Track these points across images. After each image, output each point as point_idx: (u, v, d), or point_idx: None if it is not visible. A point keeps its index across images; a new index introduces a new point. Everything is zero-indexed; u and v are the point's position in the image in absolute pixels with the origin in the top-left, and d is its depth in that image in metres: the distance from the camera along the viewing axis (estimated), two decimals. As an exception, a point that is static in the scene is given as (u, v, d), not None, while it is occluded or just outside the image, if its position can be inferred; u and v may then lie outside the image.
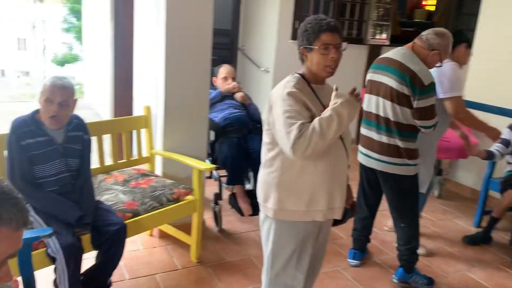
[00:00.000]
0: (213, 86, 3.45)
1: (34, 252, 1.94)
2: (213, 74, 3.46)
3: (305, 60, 1.77)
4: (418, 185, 2.59)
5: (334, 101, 1.66)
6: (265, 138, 1.80)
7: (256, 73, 5.43)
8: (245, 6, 5.63)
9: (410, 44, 2.51)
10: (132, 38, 4.01)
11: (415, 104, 2.35)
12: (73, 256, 1.99)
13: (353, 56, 5.48)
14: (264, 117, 1.80)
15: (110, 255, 2.20)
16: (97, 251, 2.20)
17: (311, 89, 1.77)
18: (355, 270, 2.84)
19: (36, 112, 2.15)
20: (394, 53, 2.49)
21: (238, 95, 3.32)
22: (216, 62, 4.85)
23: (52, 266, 2.01)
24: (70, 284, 1.99)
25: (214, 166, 2.85)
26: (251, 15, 5.51)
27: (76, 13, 15.17)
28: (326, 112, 1.65)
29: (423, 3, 8.14)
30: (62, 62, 17.20)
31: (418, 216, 2.66)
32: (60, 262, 1.97)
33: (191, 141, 2.92)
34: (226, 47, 6.18)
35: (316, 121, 1.63)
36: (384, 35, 5.68)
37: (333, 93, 1.69)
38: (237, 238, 3.15)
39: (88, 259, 2.21)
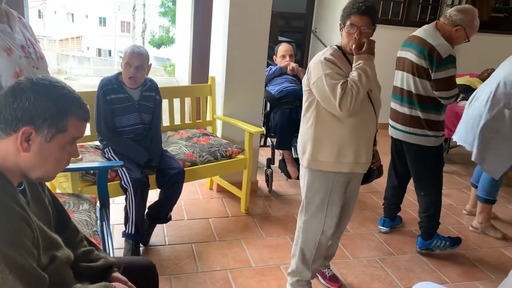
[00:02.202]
0: (273, 63, 3.81)
1: (111, 183, 2.47)
2: (274, 52, 3.82)
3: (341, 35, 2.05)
4: (441, 156, 2.73)
5: (357, 62, 1.96)
6: (304, 98, 2.13)
7: (325, 55, 5.65)
8: (319, -10, 5.87)
9: (434, 22, 2.66)
10: (210, 19, 4.49)
11: (433, 75, 2.51)
12: (140, 188, 2.49)
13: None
14: (303, 80, 2.12)
15: (170, 194, 2.68)
16: (160, 189, 2.70)
17: (346, 59, 2.05)
18: (388, 236, 3.07)
19: (119, 74, 2.68)
20: (418, 31, 2.66)
21: (288, 68, 3.64)
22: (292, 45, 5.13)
23: (124, 196, 2.55)
24: (136, 210, 2.51)
25: (262, 130, 3.22)
26: (325, -2, 5.74)
27: (173, -2, 16.29)
28: (354, 72, 1.95)
29: (522, -13, 7.63)
30: (158, 44, 18.56)
31: (439, 184, 2.77)
32: (130, 192, 2.48)
33: (247, 109, 3.32)
34: (301, 30, 6.48)
35: (349, 80, 1.94)
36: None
37: (355, 57, 1.98)
38: (284, 198, 3.52)
39: (152, 200, 2.73)
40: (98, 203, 2.27)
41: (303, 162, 2.14)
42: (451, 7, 5.49)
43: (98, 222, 2.14)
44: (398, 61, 2.74)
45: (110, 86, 2.63)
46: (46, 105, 1.08)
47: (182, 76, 8.14)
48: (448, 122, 3.92)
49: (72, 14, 28.78)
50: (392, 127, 2.79)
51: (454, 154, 4.75)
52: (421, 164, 2.74)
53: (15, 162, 1.10)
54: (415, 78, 2.58)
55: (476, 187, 3.27)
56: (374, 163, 2.23)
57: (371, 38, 2.01)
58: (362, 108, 2.01)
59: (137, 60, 2.58)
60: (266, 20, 3.22)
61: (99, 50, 26.43)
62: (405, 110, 2.66)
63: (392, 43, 5.45)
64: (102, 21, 28.23)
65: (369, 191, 3.74)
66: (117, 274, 1.43)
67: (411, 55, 2.60)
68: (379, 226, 3.12)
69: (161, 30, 20.38)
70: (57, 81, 1.14)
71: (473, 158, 2.97)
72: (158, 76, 13.49)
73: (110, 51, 25.41)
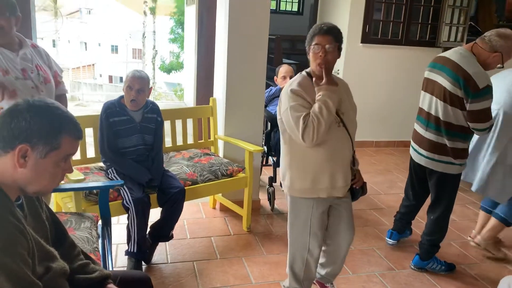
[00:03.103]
0: (274, 84, 3.92)
1: (113, 202, 2.55)
2: (275, 73, 3.93)
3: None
4: (459, 183, 2.69)
5: (317, 94, 1.99)
6: (280, 126, 2.15)
7: (328, 75, 5.76)
8: (320, 13, 6.02)
9: (470, 44, 2.52)
10: (213, 43, 4.63)
11: (468, 106, 2.40)
12: (141, 207, 2.57)
13: (425, 58, 5.53)
14: (277, 109, 2.15)
15: (171, 212, 2.75)
16: (161, 208, 2.77)
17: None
18: (389, 251, 3.08)
19: (121, 97, 2.80)
20: (451, 53, 2.53)
21: None
22: (297, 67, 5.26)
23: (126, 215, 2.62)
24: (138, 229, 2.57)
25: (261, 148, 3.28)
26: (326, 20, 5.87)
27: (182, 24, 16.70)
28: (316, 104, 1.98)
29: (524, 4, 7.69)
30: (168, 70, 18.93)
31: (449, 212, 2.75)
32: (131, 211, 2.56)
33: (248, 129, 3.40)
34: (305, 52, 6.62)
35: (311, 113, 1.97)
36: (459, 38, 5.65)
37: (315, 88, 2.00)
38: (286, 216, 3.53)
39: (154, 219, 2.80)
40: (100, 222, 2.35)
41: (284, 189, 2.19)
42: (449, 26, 5.60)
43: (100, 239, 2.22)
44: (426, 82, 2.63)
45: (113, 109, 2.74)
46: (41, 125, 1.17)
47: (190, 99, 8.34)
48: None
49: (85, 43, 29.57)
50: (415, 150, 2.72)
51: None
52: (440, 190, 2.69)
53: (12, 177, 1.19)
54: (447, 106, 2.46)
55: (486, 211, 3.15)
56: (356, 183, 2.21)
57: (337, 58, 2.04)
58: (333, 134, 2.03)
59: (138, 83, 2.69)
60: (263, 43, 3.32)
61: (111, 77, 26.99)
62: (431, 136, 2.58)
63: (392, 62, 5.57)
64: (114, 49, 28.93)
65: (371, 208, 3.76)
66: (111, 286, 1.49)
67: (443, 80, 2.48)
68: (386, 238, 3.15)
69: (171, 56, 20.81)
70: (52, 102, 1.23)
71: (474, 189, 2.94)
72: (169, 100, 13.72)
73: (121, 78, 25.94)
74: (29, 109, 1.18)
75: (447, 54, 2.56)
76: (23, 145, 1.16)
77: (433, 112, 2.55)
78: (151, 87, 2.81)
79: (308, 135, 1.95)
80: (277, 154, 3.52)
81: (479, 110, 2.39)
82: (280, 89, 3.81)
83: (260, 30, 3.29)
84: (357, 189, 2.25)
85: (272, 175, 3.67)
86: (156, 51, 19.82)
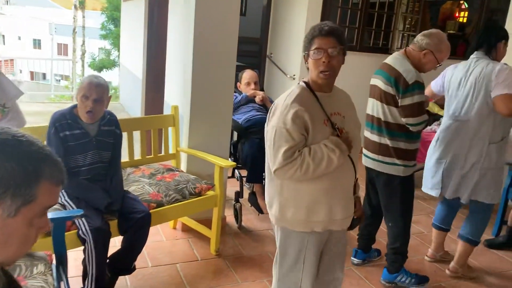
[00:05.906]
0: (237, 91, 3.63)
1: (66, 233, 2.12)
2: (237, 79, 3.64)
3: (308, 68, 1.79)
4: (411, 187, 2.64)
5: (331, 147, 1.71)
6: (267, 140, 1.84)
7: (282, 80, 5.58)
8: (273, 15, 5.81)
9: (403, 49, 2.63)
10: (165, 44, 4.25)
11: (400, 102, 2.46)
12: (101, 238, 2.17)
13: (378, 65, 5.54)
14: (267, 117, 1.86)
15: (135, 241, 2.37)
16: (123, 236, 2.38)
17: (315, 98, 1.77)
18: (368, 270, 2.93)
19: (74, 107, 2.37)
20: (389, 58, 2.63)
21: (257, 98, 3.47)
22: (245, 68, 4.99)
23: (82, 247, 2.21)
24: (97, 264, 2.17)
25: (234, 163, 3.01)
26: (279, 24, 5.68)
27: (114, 20, 15.79)
28: (320, 151, 1.70)
29: (456, 14, 8.09)
30: (99, 67, 17.82)
31: (408, 218, 2.67)
32: (89, 243, 2.15)
33: (214, 140, 3.09)
34: (255, 54, 6.38)
35: (307, 155, 1.67)
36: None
37: (333, 138, 1.74)
38: (255, 235, 3.28)
39: (113, 248, 2.40)
40: (54, 261, 1.93)
41: (271, 218, 1.88)
42: (402, 33, 5.65)
43: (55, 283, 1.81)
44: (370, 88, 2.68)
45: (63, 121, 2.31)
46: (10, 169, 0.80)
47: (130, 103, 7.76)
48: None
49: (3, 36, 27.19)
50: (365, 155, 2.70)
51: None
52: (388, 194, 2.65)
53: (-36, 246, 0.81)
54: (383, 105, 2.52)
55: (440, 228, 3.04)
56: (355, 212, 1.92)
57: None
58: None
59: (96, 92, 2.29)
60: (233, 46, 3.04)
61: (32, 73, 25.07)
62: (374, 138, 2.59)
63: (346, 68, 5.49)
64: (37, 44, 26.88)
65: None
66: None
67: (379, 82, 2.55)
68: (351, 257, 2.98)
69: (102, 52, 19.66)
70: (22, 134, 0.86)
71: (465, 201, 2.81)
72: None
73: (44, 74, 24.16)
74: None
75: (386, 60, 2.64)
76: (-17, 200, 0.79)
77: (375, 114, 2.59)
78: (110, 96, 2.41)
79: (284, 173, 1.70)
80: (247, 168, 3.24)
81: (410, 104, 2.45)
82: (246, 97, 3.53)
83: (229, 31, 2.99)
84: (354, 219, 1.93)
85: (239, 190, 3.38)
86: (85, 48, 18.66)
